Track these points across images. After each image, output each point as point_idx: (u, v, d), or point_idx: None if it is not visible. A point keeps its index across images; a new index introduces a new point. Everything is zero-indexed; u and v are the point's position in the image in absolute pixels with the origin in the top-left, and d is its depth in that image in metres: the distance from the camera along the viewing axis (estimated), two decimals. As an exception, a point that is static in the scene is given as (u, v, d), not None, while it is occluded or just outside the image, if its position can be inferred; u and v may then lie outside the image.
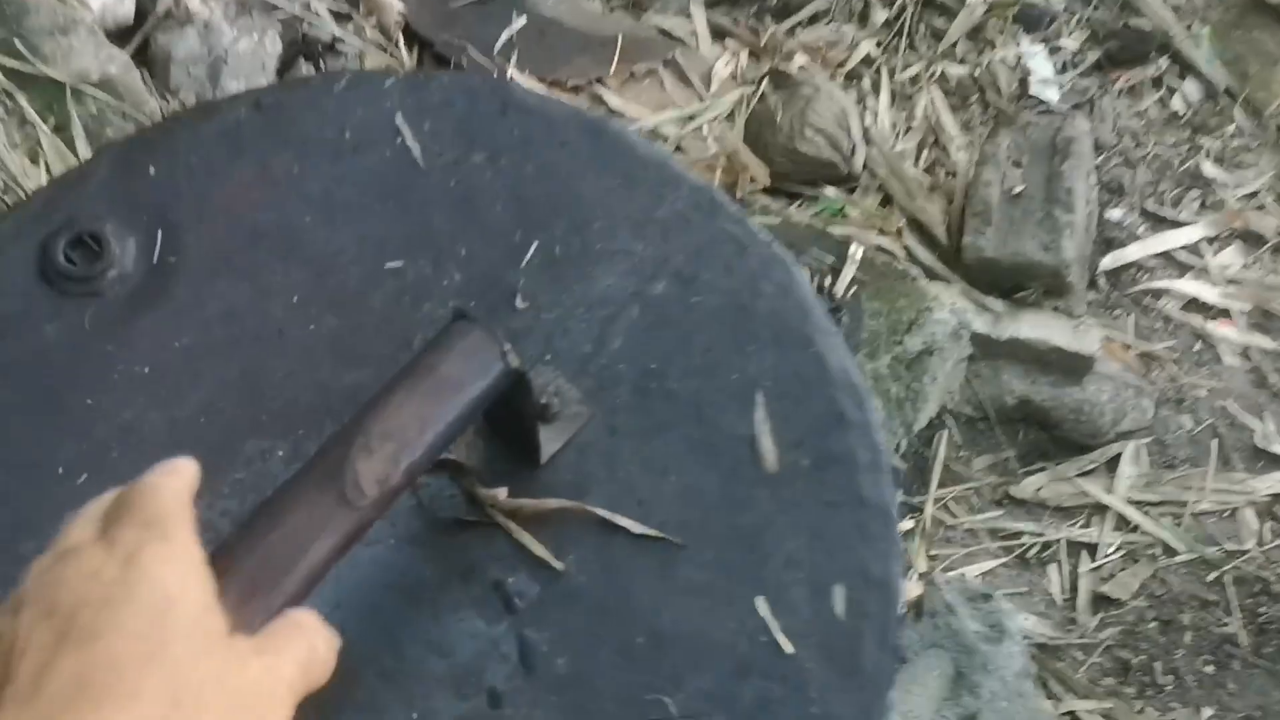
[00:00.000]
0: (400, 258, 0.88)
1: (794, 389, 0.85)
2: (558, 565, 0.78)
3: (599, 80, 1.84)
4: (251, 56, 1.65)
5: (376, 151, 0.91)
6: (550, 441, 0.82)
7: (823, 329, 0.88)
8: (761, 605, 0.78)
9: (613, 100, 1.83)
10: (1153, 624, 1.62)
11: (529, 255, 0.89)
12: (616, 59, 1.85)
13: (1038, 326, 1.74)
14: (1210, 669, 1.59)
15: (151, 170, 0.90)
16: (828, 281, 1.60)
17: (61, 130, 1.38)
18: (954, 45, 2.08)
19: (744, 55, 1.96)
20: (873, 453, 0.84)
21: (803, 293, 0.89)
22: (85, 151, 1.35)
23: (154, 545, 0.51)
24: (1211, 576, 1.65)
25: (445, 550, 0.79)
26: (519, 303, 0.87)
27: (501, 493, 0.80)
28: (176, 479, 0.56)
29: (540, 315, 0.87)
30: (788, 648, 0.76)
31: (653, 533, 0.79)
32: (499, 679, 0.75)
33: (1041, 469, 1.74)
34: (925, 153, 1.97)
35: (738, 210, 0.92)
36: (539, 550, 0.79)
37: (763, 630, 0.77)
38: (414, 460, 0.68)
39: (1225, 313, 1.90)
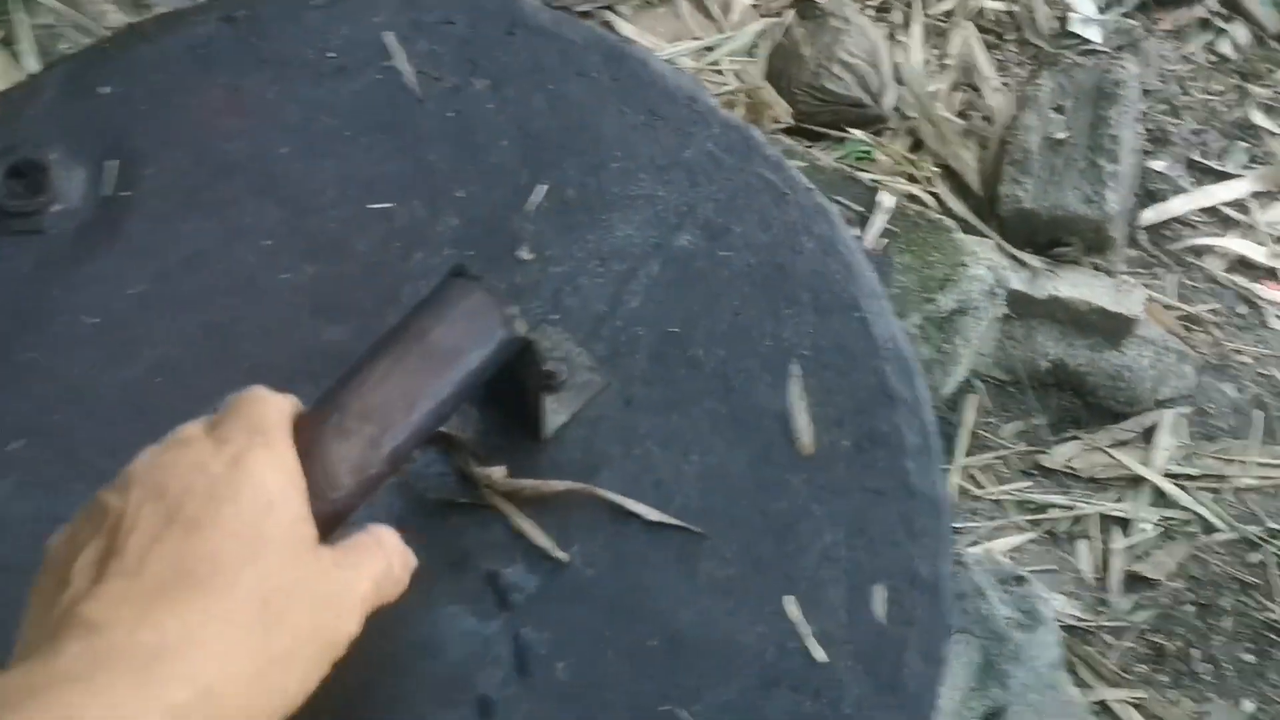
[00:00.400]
0: (389, 198, 0.80)
1: (835, 360, 0.78)
2: (561, 556, 0.71)
3: (609, 6, 1.74)
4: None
5: (364, 75, 0.84)
6: (556, 414, 0.75)
7: (869, 291, 0.81)
8: (792, 606, 0.71)
9: (625, 28, 1.74)
10: (1190, 607, 1.53)
11: (537, 199, 0.81)
12: (629, -11, 1.77)
13: (1078, 285, 1.64)
14: (1251, 658, 1.50)
15: (106, 90, 0.82)
16: (854, 232, 1.51)
17: (9, 43, 1.28)
18: (994, -24, 1.99)
19: (768, -18, 1.88)
20: (922, 435, 0.78)
21: (848, 249, 0.82)
22: (34, 68, 1.25)
23: (260, 450, 0.54)
24: (1254, 558, 1.56)
25: (432, 536, 0.71)
26: (524, 253, 0.79)
27: (499, 471, 0.72)
28: (283, 399, 0.59)
29: (548, 269, 0.79)
30: (821, 656, 0.70)
31: (672, 521, 0.73)
32: (491, 685, 0.68)
33: (1074, 437, 1.64)
34: (958, 94, 1.87)
35: (775, 153, 0.84)
36: (540, 538, 0.72)
37: (793, 635, 0.70)
38: (398, 445, 0.60)
39: (1274, 273, 1.81)
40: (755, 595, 0.71)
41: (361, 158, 0.81)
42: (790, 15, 1.80)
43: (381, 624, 0.67)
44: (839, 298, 0.80)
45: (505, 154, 0.82)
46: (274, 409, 0.57)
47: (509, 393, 0.73)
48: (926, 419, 0.78)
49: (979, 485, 1.60)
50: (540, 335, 0.72)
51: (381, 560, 0.58)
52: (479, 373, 0.63)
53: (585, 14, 1.69)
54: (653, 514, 0.73)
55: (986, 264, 1.55)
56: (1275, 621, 1.52)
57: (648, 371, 0.77)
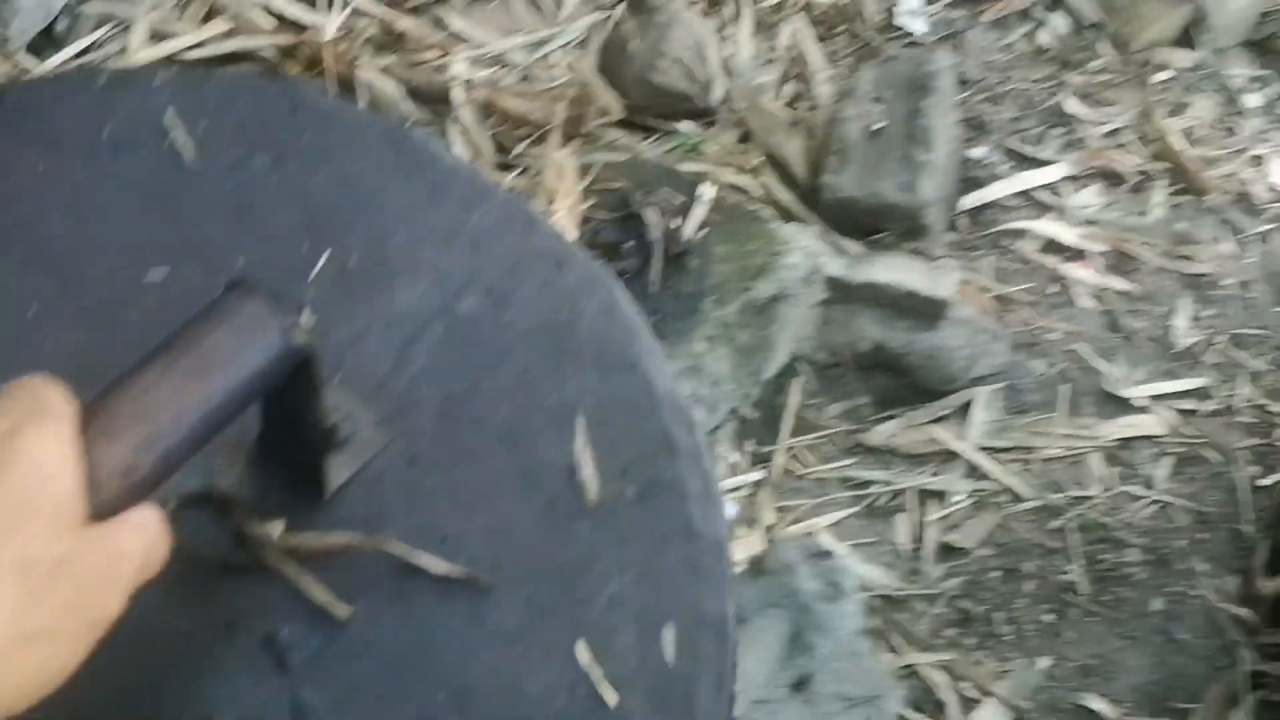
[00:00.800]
0: (164, 268, 0.77)
1: (618, 414, 0.78)
2: (341, 612, 0.69)
3: (441, 0, 1.71)
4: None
5: (142, 152, 0.81)
6: (339, 472, 0.73)
7: (648, 350, 0.81)
8: (582, 652, 0.71)
9: (456, 23, 1.70)
10: (996, 573, 1.58)
11: (318, 267, 0.79)
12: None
13: (894, 270, 1.66)
14: (1050, 617, 1.56)
15: None
16: (676, 223, 1.50)
17: None
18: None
19: (603, -26, 1.84)
20: (703, 481, 0.78)
21: (627, 312, 0.82)
22: None
23: (39, 426, 0.52)
24: (1055, 524, 1.62)
25: (206, 598, 0.69)
26: (306, 317, 0.76)
27: (276, 528, 0.70)
28: (63, 387, 0.56)
29: (330, 332, 0.77)
30: (611, 699, 0.70)
31: (457, 573, 0.71)
32: (268, 750, 0.66)
33: (895, 416, 1.68)
34: (789, 86, 1.86)
35: (554, 226, 0.84)
36: (319, 595, 0.70)
37: (584, 680, 0.70)
38: (169, 449, 0.56)
39: (1083, 254, 1.85)
40: (545, 644, 0.71)
41: (136, 229, 0.79)
42: (622, 9, 1.77)
43: (149, 692, 0.66)
44: (620, 357, 0.80)
45: (286, 225, 0.81)
46: (56, 392, 0.55)
47: (290, 451, 0.70)
48: (707, 466, 0.79)
49: (804, 464, 1.62)
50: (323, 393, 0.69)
51: (144, 540, 0.56)
52: (257, 380, 0.60)
53: (417, 9, 1.65)
54: (439, 566, 0.71)
55: (803, 252, 1.57)
56: (1072, 583, 1.57)
57: (433, 429, 0.76)
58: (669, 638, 0.72)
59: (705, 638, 0.73)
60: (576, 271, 0.82)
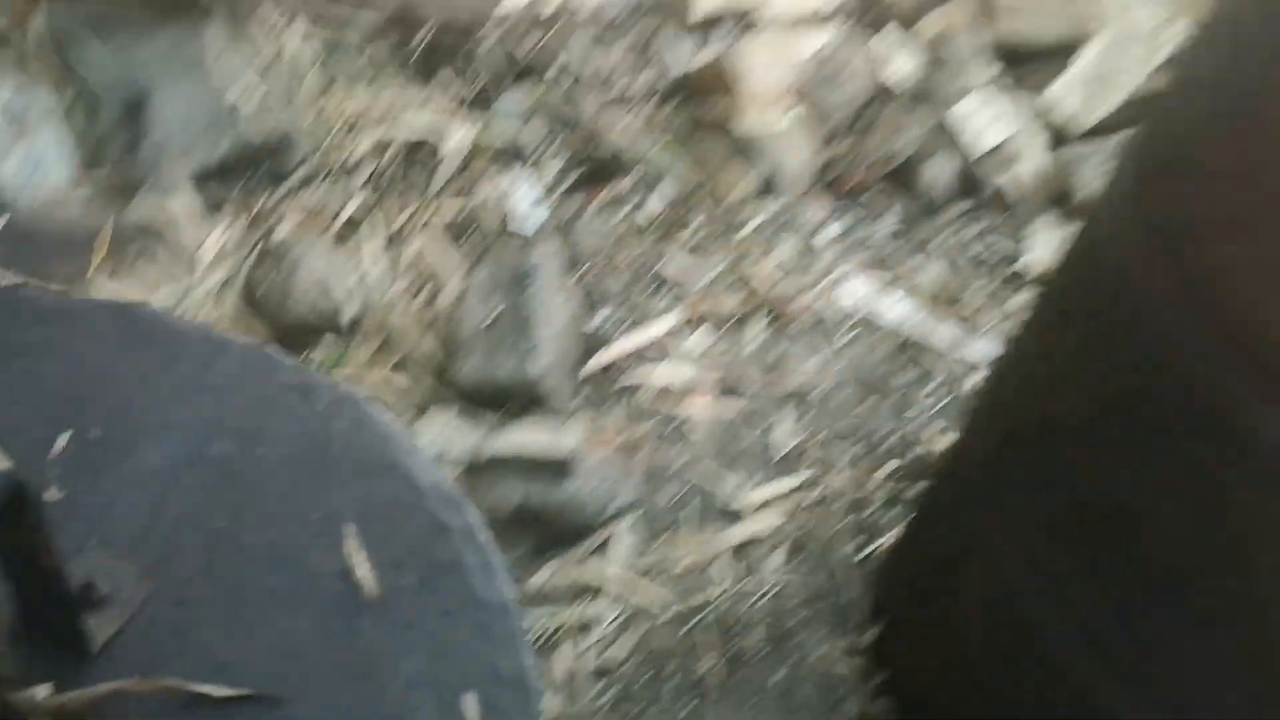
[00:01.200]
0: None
1: (386, 512, 0.83)
2: None
3: (87, 272, 1.79)
4: None
5: None
6: (104, 627, 0.75)
7: (406, 449, 0.86)
8: None
9: (106, 287, 1.80)
10: (643, 680, 1.74)
11: (58, 447, 0.82)
12: (102, 251, 1.85)
13: (523, 435, 1.87)
14: (691, 707, 1.73)
15: None
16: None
17: None
18: (443, 189, 2.18)
19: (239, 225, 1.98)
20: (480, 554, 0.83)
21: (379, 421, 0.86)
22: None
23: None
24: (689, 626, 1.81)
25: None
26: (51, 495, 0.80)
27: (41, 691, 0.70)
28: None
29: (79, 503, 0.79)
30: (418, 775, 0.66)
31: (240, 693, 0.73)
32: None
33: (548, 560, 1.85)
34: (422, 292, 2.05)
35: (295, 362, 0.90)
36: None
37: None
38: None
39: (695, 390, 2.10)
40: (349, 739, 0.67)
41: None
42: (257, 251, 1.95)
43: None
44: (378, 461, 0.84)
45: (21, 418, 0.83)
46: None
47: (51, 617, 0.72)
48: (481, 540, 0.83)
49: (472, 618, 1.89)
50: (77, 560, 0.73)
51: None
52: None
53: (63, 279, 1.72)
54: (219, 691, 0.72)
55: (434, 435, 1.82)
56: (707, 673, 1.76)
57: (200, 567, 0.78)
58: (471, 703, 0.75)
59: (506, 694, 0.76)
60: (323, 397, 0.86)
